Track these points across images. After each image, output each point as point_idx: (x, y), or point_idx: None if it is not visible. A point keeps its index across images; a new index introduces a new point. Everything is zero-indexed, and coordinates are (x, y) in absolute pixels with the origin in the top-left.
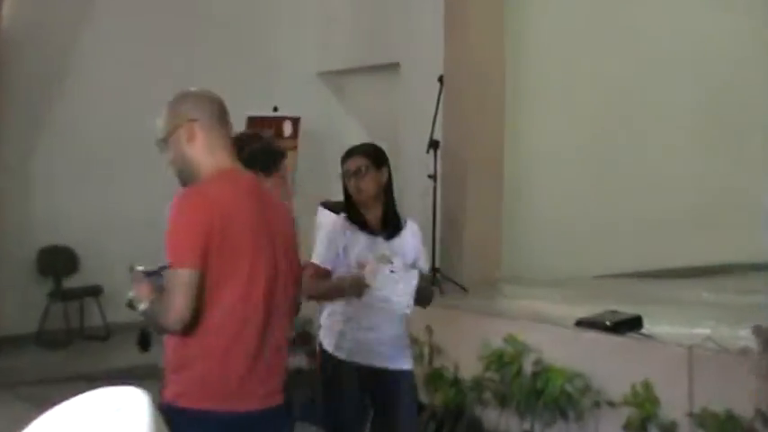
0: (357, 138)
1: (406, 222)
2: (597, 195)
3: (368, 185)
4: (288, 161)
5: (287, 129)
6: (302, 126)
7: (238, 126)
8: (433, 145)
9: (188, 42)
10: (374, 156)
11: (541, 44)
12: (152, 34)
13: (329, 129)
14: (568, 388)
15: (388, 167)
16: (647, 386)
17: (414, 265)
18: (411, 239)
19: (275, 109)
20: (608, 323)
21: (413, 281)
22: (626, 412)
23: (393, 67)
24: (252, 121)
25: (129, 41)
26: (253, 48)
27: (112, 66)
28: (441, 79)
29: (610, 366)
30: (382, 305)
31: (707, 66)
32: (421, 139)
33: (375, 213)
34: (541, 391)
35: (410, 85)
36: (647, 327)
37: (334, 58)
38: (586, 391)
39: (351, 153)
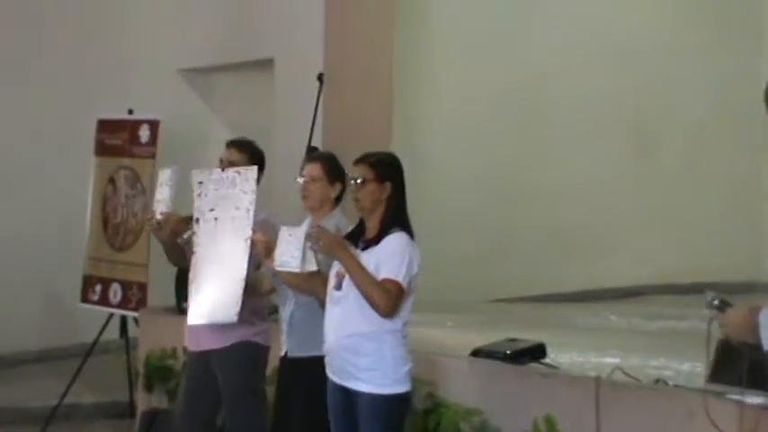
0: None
1: (392, 232)
2: (493, 209)
3: (363, 197)
4: (145, 170)
5: (144, 134)
6: (162, 130)
7: (89, 130)
8: (312, 152)
9: (28, 36)
10: (376, 167)
11: (439, 38)
12: None
13: (193, 133)
14: (464, 426)
15: (393, 180)
16: (550, 422)
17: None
18: (382, 249)
19: (130, 111)
20: (507, 352)
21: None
22: None
23: (266, 63)
24: (103, 124)
25: None
26: (103, 40)
27: None
28: (320, 77)
29: (510, 401)
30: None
31: (620, 60)
32: (297, 145)
33: (372, 223)
34: (433, 431)
35: (285, 83)
36: (551, 356)
37: (197, 54)
38: (484, 430)
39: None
